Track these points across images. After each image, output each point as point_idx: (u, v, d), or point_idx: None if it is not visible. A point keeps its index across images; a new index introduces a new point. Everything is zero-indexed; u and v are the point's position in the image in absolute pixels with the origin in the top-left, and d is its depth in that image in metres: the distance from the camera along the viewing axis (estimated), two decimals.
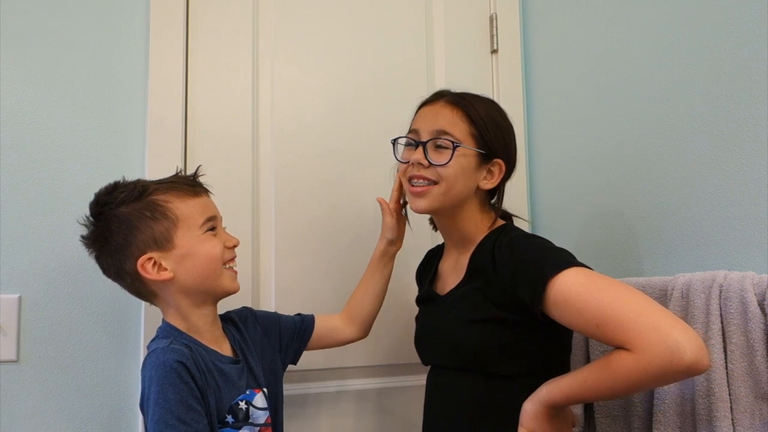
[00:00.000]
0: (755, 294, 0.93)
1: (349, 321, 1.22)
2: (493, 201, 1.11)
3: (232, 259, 1.04)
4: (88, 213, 0.99)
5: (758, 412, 0.93)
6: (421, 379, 1.14)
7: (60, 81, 1.23)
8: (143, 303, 1.21)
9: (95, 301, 1.21)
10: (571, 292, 0.87)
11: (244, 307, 1.16)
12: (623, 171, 1.29)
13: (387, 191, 1.43)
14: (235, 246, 1.05)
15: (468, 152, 1.03)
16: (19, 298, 1.16)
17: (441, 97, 1.08)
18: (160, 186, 0.99)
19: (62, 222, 1.20)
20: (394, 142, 1.13)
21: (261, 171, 1.37)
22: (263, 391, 1.04)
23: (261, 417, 1.02)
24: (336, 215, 1.40)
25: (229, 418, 0.97)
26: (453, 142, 1.02)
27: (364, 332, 1.23)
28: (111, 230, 0.96)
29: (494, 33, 1.59)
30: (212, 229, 1.01)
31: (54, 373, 1.17)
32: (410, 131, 1.09)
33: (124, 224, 0.96)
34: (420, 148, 1.04)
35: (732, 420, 0.93)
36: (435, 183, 1.03)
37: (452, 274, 1.10)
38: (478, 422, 0.99)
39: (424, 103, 1.11)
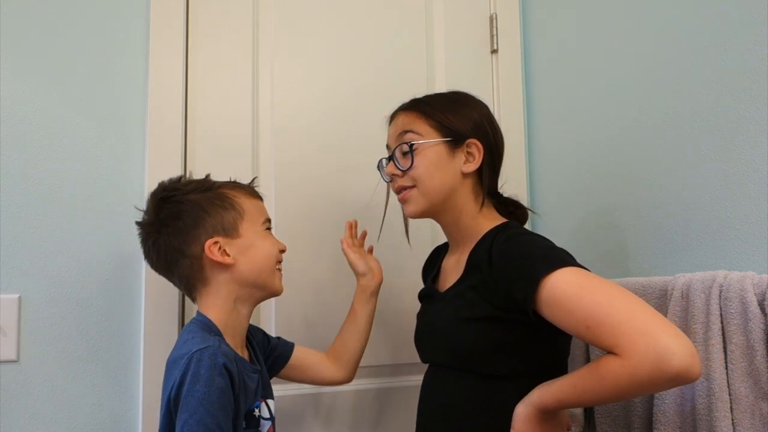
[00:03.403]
0: (755, 294, 0.93)
1: (334, 360, 1.20)
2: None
3: (280, 262, 1.08)
4: (147, 201, 1.04)
5: (758, 412, 0.93)
6: (418, 380, 1.14)
7: (60, 81, 1.23)
8: (143, 303, 1.21)
9: (95, 301, 1.21)
10: (563, 291, 0.86)
11: None
12: (623, 171, 1.29)
13: (386, 189, 1.43)
14: (283, 251, 1.09)
15: (432, 145, 1.04)
16: (19, 298, 1.16)
17: (399, 110, 1.12)
18: (227, 183, 1.06)
19: (62, 222, 1.20)
20: (379, 167, 1.16)
21: (261, 171, 1.37)
22: (267, 402, 1.05)
23: (265, 426, 1.03)
24: (336, 215, 1.40)
25: (243, 423, 0.97)
26: (409, 144, 1.04)
27: (348, 374, 1.20)
28: (181, 211, 1.00)
29: (494, 33, 1.59)
30: (268, 230, 1.07)
31: (54, 373, 1.17)
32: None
33: (195, 208, 1.00)
34: (391, 161, 1.08)
35: (732, 420, 0.93)
36: (413, 187, 1.06)
37: (453, 271, 1.09)
38: (470, 423, 0.98)
39: (389, 123, 1.14)
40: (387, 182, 1.14)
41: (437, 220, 1.11)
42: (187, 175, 1.07)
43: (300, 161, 1.39)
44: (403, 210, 1.10)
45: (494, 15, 1.59)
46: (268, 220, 1.08)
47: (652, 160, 1.22)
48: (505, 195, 1.13)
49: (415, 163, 1.04)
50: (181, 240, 0.99)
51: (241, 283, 1.02)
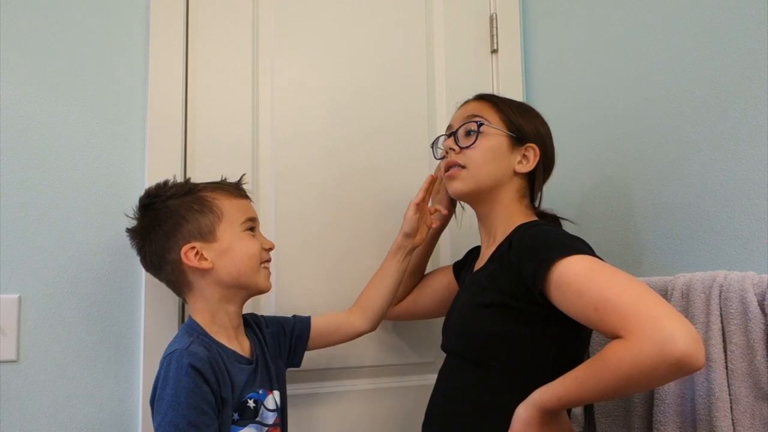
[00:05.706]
0: (755, 294, 0.93)
1: (360, 313, 1.21)
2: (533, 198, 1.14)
3: (268, 260, 1.09)
4: (136, 207, 1.06)
5: (758, 412, 0.93)
6: (426, 379, 1.14)
7: (60, 81, 1.23)
8: (143, 303, 1.21)
9: (95, 301, 1.21)
10: (575, 274, 0.87)
11: (251, 313, 1.17)
12: (623, 171, 1.29)
13: (387, 190, 1.43)
14: (270, 249, 1.09)
15: (497, 134, 1.08)
16: (19, 298, 1.16)
17: (472, 98, 1.16)
18: (208, 185, 1.07)
19: (62, 222, 1.20)
20: (434, 144, 1.22)
21: (261, 171, 1.37)
22: (274, 393, 1.06)
23: (270, 417, 1.04)
24: (336, 215, 1.40)
25: (235, 416, 0.98)
26: (477, 123, 1.08)
27: (373, 325, 1.22)
28: (159, 219, 1.02)
29: (494, 33, 1.59)
30: (251, 229, 1.07)
31: (54, 373, 1.17)
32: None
33: (173, 215, 1.02)
34: (451, 137, 1.11)
35: (732, 420, 0.93)
36: (464, 167, 1.08)
37: (482, 262, 1.11)
38: (468, 414, 0.98)
39: (458, 108, 1.18)
40: (438, 159, 1.18)
41: (476, 209, 1.13)
42: (175, 179, 1.09)
43: (300, 161, 1.39)
44: (448, 188, 1.12)
45: (494, 15, 1.59)
46: (251, 219, 1.07)
47: (652, 161, 1.22)
48: (541, 209, 1.16)
49: (476, 144, 1.07)
50: (162, 246, 1.02)
51: (223, 285, 1.03)
